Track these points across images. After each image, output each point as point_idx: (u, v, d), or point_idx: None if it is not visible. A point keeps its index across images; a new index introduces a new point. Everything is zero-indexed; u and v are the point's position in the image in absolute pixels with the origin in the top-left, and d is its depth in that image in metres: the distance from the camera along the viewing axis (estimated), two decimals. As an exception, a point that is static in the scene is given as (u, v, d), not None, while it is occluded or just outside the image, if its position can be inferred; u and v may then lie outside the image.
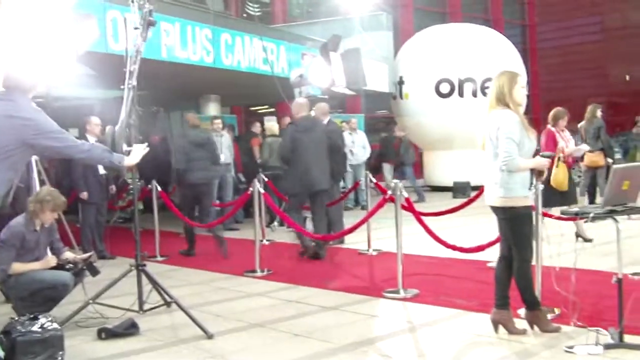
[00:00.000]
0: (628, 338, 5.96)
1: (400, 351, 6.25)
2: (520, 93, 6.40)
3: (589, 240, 10.62)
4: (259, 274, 9.98)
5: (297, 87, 14.47)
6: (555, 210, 9.14)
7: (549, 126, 11.18)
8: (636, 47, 53.74)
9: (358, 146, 18.88)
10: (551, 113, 11.37)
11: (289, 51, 16.85)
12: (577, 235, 10.48)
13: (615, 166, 6.01)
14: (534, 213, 6.69)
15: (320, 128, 11.79)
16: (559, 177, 10.46)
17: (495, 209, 6.39)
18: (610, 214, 5.88)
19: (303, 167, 11.20)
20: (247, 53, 15.42)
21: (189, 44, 13.72)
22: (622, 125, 34.09)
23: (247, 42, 15.44)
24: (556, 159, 10.09)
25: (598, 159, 14.99)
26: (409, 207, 8.83)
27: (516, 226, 6.30)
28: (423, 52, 24.03)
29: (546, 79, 42.90)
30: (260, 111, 26.91)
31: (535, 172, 6.46)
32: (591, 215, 5.78)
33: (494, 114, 6.30)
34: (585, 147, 10.39)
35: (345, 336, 6.68)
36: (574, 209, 6.06)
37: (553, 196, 10.10)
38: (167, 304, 7.50)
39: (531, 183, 6.44)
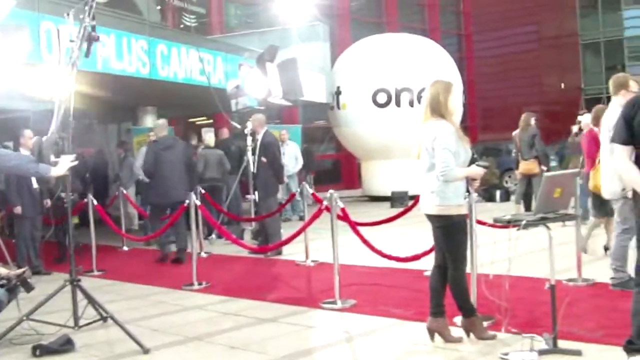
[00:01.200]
0: (562, 343, 6.03)
1: (337, 362, 6.26)
2: (455, 103, 6.44)
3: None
4: (196, 287, 9.90)
5: (234, 98, 14.47)
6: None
7: (590, 127, 10.73)
8: (570, 56, 54.67)
9: (289, 158, 18.83)
10: (592, 112, 10.42)
11: (226, 62, 16.81)
12: (606, 248, 10.28)
13: (546, 174, 6.07)
14: (468, 221, 6.75)
15: (179, 146, 12.66)
16: (598, 181, 9.09)
17: (431, 217, 6.43)
18: (542, 221, 5.95)
19: (161, 181, 12.11)
20: (183, 64, 15.35)
21: (124, 55, 13.61)
22: (558, 133, 34.60)
23: (184, 53, 15.37)
24: (596, 161, 9.07)
25: (533, 166, 15.21)
26: (344, 217, 8.83)
27: (451, 234, 6.35)
28: (360, 62, 24.11)
29: (482, 88, 43.42)
30: (198, 122, 26.78)
31: (470, 181, 6.51)
32: (523, 222, 5.84)
33: (430, 124, 6.34)
34: None
35: (281, 348, 6.65)
36: (507, 216, 6.10)
37: (601, 205, 9.65)
38: (103, 319, 7.39)
39: (467, 192, 6.50)
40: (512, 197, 21.05)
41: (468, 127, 37.53)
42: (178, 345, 6.99)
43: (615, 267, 8.25)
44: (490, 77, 45.42)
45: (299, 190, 13.37)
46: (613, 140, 5.52)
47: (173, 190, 12.02)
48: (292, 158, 19.01)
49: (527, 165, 15.49)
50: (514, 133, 16.36)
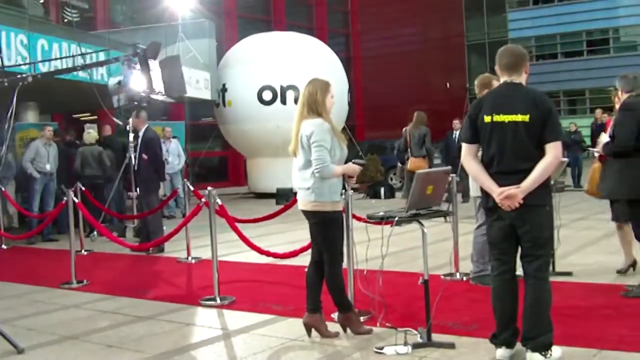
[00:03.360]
0: (436, 337, 6.16)
1: (213, 358, 6.23)
2: (331, 101, 6.52)
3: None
4: (75, 285, 9.75)
5: (116, 94, 14.23)
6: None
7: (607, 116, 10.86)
8: (456, 56, 55.76)
9: (172, 155, 18.77)
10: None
11: (109, 58, 16.54)
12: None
13: (418, 171, 6.18)
14: (344, 218, 6.84)
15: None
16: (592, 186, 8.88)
17: (307, 214, 6.48)
18: (415, 217, 6.07)
19: None
20: (65, 60, 15.05)
21: (3, 49, 13.27)
22: (443, 132, 35.22)
23: (65, 48, 15.09)
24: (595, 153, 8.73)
25: (422, 164, 15.54)
26: (223, 213, 8.82)
27: (327, 230, 6.42)
28: (246, 59, 24.09)
29: (369, 87, 43.83)
30: (82, 118, 26.32)
31: (347, 178, 6.60)
32: (396, 219, 5.94)
33: (307, 122, 6.40)
34: (605, 138, 8.74)
35: (158, 346, 6.61)
36: (380, 213, 6.21)
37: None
38: (-25, 319, 7.23)
39: (343, 188, 6.59)
40: (397, 194, 21.43)
41: (354, 125, 37.88)
42: (53, 344, 6.87)
43: (476, 261, 8.51)
44: (376, 76, 45.86)
45: (180, 187, 13.31)
46: (460, 139, 5.76)
47: None
48: (175, 155, 18.90)
49: (416, 163, 15.80)
50: (404, 128, 16.65)
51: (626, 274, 8.55)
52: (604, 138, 7.97)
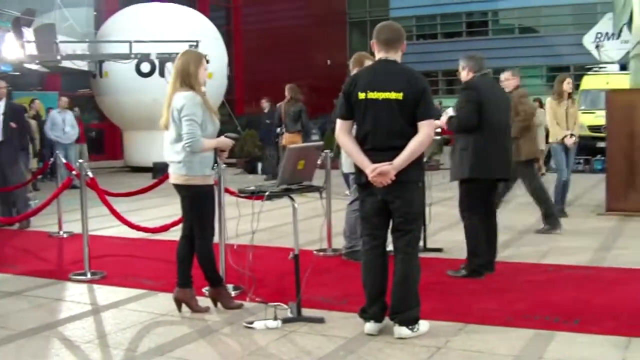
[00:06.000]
0: (306, 312, 6.23)
1: (81, 333, 6.10)
2: (204, 74, 6.45)
3: None
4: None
5: (-14, 62, 13.85)
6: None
7: None
8: (337, 33, 55.97)
9: (68, 125, 18.31)
10: None
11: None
12: None
13: (290, 146, 6.19)
14: (216, 192, 6.80)
15: None
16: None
17: (178, 187, 6.44)
18: (286, 192, 6.08)
19: None
20: None
21: None
22: (323, 108, 35.36)
23: None
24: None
25: (297, 139, 15.62)
26: (94, 187, 8.64)
27: (197, 205, 6.39)
28: (125, 30, 23.58)
29: (249, 61, 43.65)
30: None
31: (219, 152, 6.56)
32: (267, 193, 5.94)
33: (178, 95, 6.33)
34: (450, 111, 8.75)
35: (26, 322, 6.45)
36: (251, 187, 6.19)
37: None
38: None
39: (215, 162, 6.54)
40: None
41: (234, 99, 37.70)
42: None
43: (348, 236, 8.60)
44: (257, 51, 45.69)
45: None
46: (335, 115, 5.81)
47: None
48: (70, 125, 18.44)
49: (291, 138, 15.85)
50: (278, 104, 16.68)
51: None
52: (449, 111, 8.08)
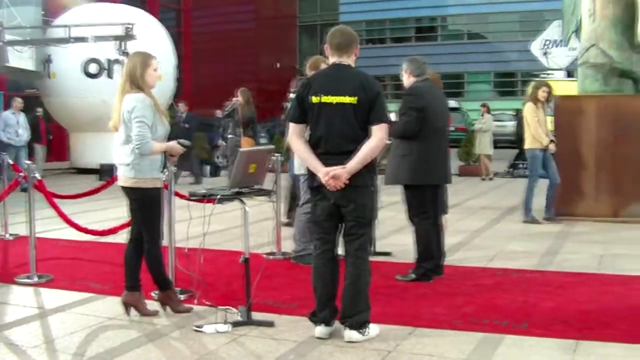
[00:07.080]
0: (256, 315, 6.20)
1: (28, 338, 6.00)
2: (153, 76, 6.41)
3: None
4: None
5: None
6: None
7: None
8: (288, 36, 56.10)
9: (22, 127, 18.13)
10: None
11: None
12: None
13: (241, 149, 6.20)
14: (166, 195, 6.76)
15: None
16: None
17: (127, 190, 6.38)
18: (237, 195, 6.07)
19: None
20: None
21: None
22: (271, 111, 35.38)
23: None
24: None
25: (252, 143, 15.67)
26: (41, 188, 8.53)
27: (146, 208, 6.34)
28: (72, 30, 23.36)
29: (199, 63, 43.51)
30: None
31: (169, 156, 6.52)
32: (218, 196, 5.92)
33: (128, 97, 6.29)
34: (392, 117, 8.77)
35: (-31, 326, 6.35)
36: (202, 190, 6.17)
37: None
38: None
39: (164, 166, 6.50)
40: (223, 172, 21.42)
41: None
42: None
43: (298, 240, 8.62)
44: (207, 53, 45.56)
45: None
46: (287, 118, 5.82)
47: None
48: (24, 128, 18.27)
49: (248, 142, 15.90)
50: (230, 107, 16.67)
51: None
52: (392, 116, 8.10)
